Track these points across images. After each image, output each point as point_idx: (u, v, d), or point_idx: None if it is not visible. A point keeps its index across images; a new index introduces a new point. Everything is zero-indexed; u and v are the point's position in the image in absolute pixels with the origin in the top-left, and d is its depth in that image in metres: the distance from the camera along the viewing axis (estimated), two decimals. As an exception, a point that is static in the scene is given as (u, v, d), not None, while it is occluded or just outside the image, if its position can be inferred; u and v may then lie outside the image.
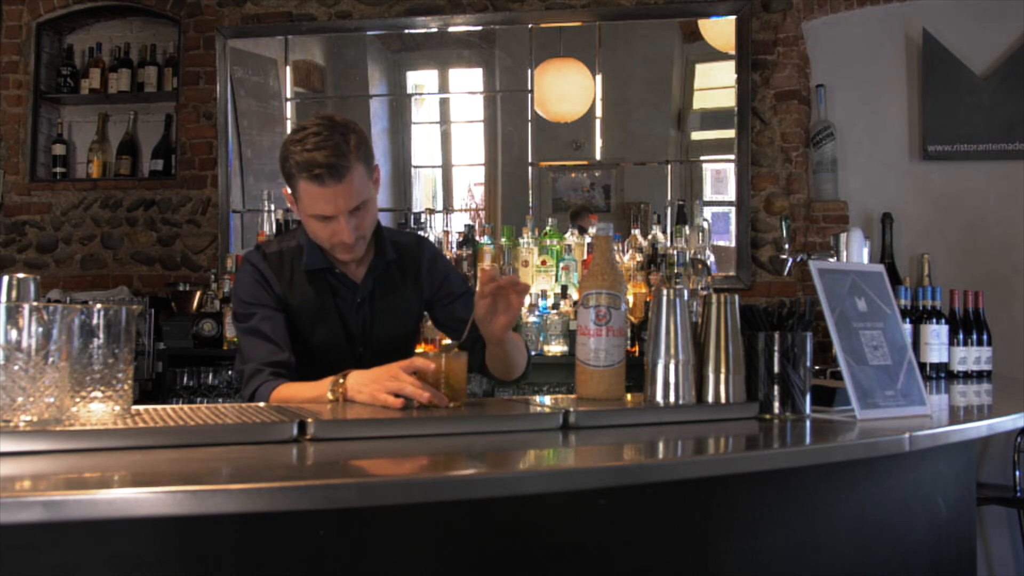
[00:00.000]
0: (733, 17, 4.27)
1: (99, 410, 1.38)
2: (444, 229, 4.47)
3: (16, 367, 1.28)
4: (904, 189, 4.26)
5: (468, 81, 4.82)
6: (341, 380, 1.85)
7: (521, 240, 4.20)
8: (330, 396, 1.85)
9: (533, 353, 3.92)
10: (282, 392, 2.00)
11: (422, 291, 2.27)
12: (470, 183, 4.73)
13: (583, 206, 4.48)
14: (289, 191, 2.07)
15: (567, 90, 4.48)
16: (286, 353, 2.10)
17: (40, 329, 1.30)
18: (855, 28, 4.35)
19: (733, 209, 4.28)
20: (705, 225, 4.17)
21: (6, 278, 1.41)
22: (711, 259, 4.12)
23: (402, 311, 2.24)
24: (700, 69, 4.53)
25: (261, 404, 1.85)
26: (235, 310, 2.18)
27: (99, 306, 1.39)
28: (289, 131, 2.13)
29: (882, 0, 4.29)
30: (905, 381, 1.94)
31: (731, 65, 4.29)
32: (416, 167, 4.81)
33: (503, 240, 4.22)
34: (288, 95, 4.77)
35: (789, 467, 1.63)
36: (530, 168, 4.51)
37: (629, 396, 1.95)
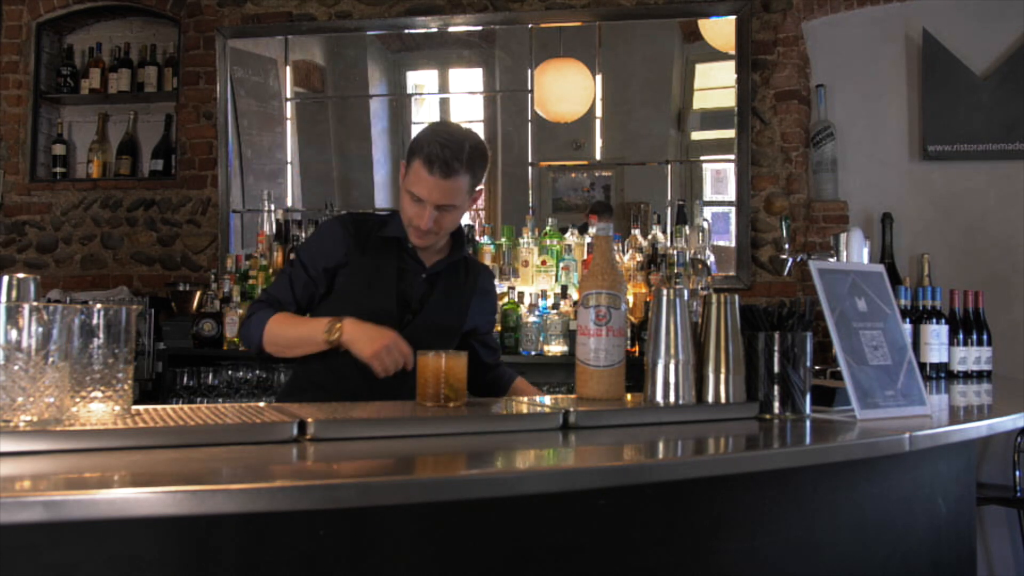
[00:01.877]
0: (733, 17, 4.27)
1: (99, 410, 1.38)
2: (444, 229, 4.46)
3: (16, 367, 1.28)
4: (904, 189, 4.26)
5: (468, 81, 4.82)
6: (338, 324, 2.11)
7: (521, 240, 4.20)
8: (325, 334, 2.11)
9: (532, 353, 3.95)
10: (278, 318, 2.23)
11: (470, 304, 2.42)
12: (470, 183, 4.72)
13: (602, 202, 4.47)
14: (405, 164, 2.24)
15: (567, 90, 4.48)
16: (294, 306, 2.29)
17: (40, 329, 1.30)
18: (855, 28, 4.34)
19: (733, 209, 4.28)
20: (705, 225, 4.17)
21: (6, 278, 1.41)
22: (711, 259, 4.12)
23: (455, 303, 2.37)
24: (700, 69, 4.53)
25: (259, 405, 1.84)
26: (299, 246, 2.55)
27: (99, 306, 1.39)
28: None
29: (882, 0, 4.29)
30: (905, 381, 1.94)
31: (731, 65, 4.29)
32: (416, 167, 4.80)
33: (503, 240, 4.22)
34: (288, 95, 4.77)
35: (789, 467, 1.63)
36: (530, 168, 4.51)
37: (629, 396, 1.95)
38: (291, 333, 2.21)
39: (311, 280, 2.29)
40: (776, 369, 1.84)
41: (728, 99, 4.30)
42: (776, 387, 1.84)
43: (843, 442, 1.67)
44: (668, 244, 4.13)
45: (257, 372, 3.87)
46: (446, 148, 2.14)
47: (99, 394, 1.38)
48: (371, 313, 2.20)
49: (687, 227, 4.16)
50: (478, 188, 2.30)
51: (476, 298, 2.43)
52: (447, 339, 2.34)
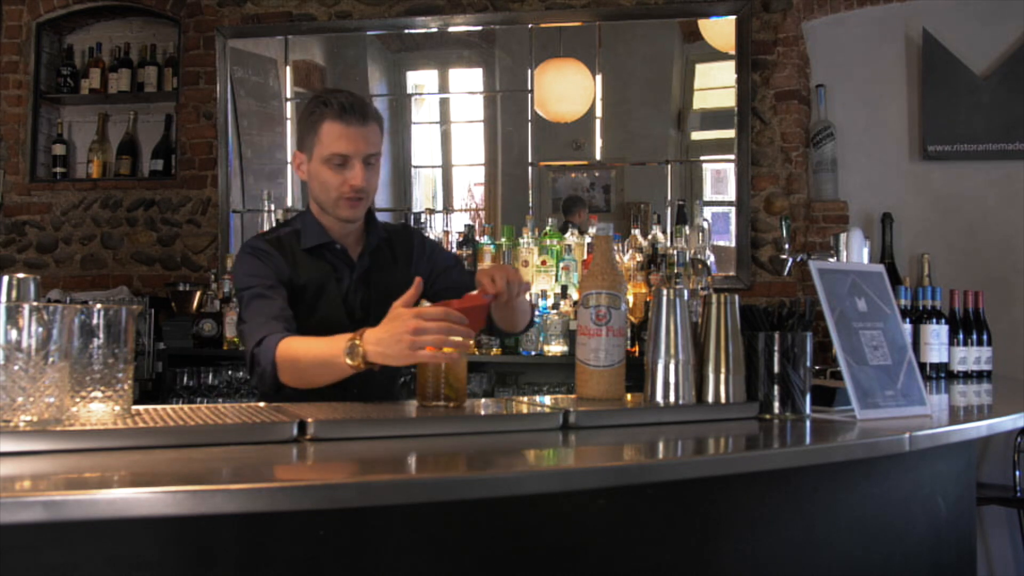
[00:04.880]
0: (733, 17, 4.27)
1: (99, 410, 1.38)
2: (444, 229, 4.47)
3: (16, 367, 1.28)
4: (904, 189, 4.26)
5: (468, 81, 4.82)
6: (358, 342, 1.77)
7: (521, 240, 4.20)
8: (350, 361, 1.78)
9: (532, 353, 3.95)
10: (291, 344, 1.93)
11: (417, 271, 2.26)
12: (470, 183, 4.73)
13: (575, 197, 4.47)
14: (302, 151, 2.15)
15: (567, 90, 4.47)
16: (289, 312, 2.06)
17: (40, 329, 1.30)
18: (855, 28, 4.34)
19: (733, 209, 4.28)
20: (705, 225, 4.17)
21: (6, 278, 1.41)
22: (711, 259, 4.12)
23: (397, 291, 2.18)
24: (700, 69, 4.53)
25: (261, 404, 1.81)
26: (236, 286, 2.14)
27: (99, 306, 1.39)
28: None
29: (882, 0, 4.29)
30: (905, 381, 1.94)
31: (731, 65, 4.29)
32: (416, 167, 4.81)
33: (503, 240, 4.22)
34: (288, 95, 4.77)
35: (789, 467, 1.63)
36: (530, 168, 4.51)
37: (629, 396, 1.95)
38: (305, 364, 1.91)
39: (275, 281, 2.10)
40: (776, 369, 1.84)
41: (728, 99, 4.30)
42: (776, 387, 1.84)
43: (843, 442, 1.67)
44: (668, 244, 4.13)
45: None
46: (350, 96, 2.12)
47: (99, 394, 1.38)
48: (325, 329, 1.99)
49: (687, 227, 4.16)
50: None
51: (424, 263, 2.29)
52: None
